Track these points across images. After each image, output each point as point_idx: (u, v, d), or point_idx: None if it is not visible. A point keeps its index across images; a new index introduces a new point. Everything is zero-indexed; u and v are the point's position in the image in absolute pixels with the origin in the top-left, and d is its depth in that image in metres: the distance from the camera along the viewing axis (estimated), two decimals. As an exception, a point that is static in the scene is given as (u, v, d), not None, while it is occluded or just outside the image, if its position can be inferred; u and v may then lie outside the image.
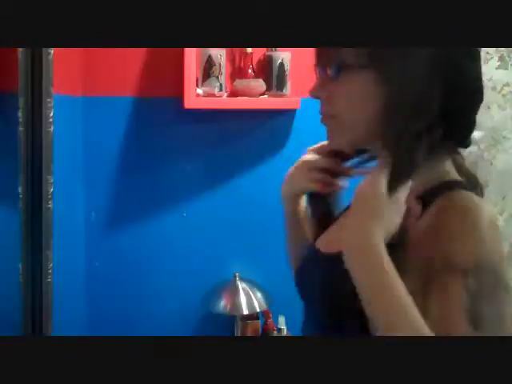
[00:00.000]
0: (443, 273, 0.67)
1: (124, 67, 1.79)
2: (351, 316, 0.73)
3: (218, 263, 1.88)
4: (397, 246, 0.71)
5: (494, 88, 1.85)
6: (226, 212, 1.88)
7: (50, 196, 1.35)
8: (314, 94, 0.78)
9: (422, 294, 0.69)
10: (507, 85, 1.85)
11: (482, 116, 1.83)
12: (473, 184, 0.79)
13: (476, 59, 0.76)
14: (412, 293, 0.67)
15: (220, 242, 1.89)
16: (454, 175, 0.79)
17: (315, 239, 0.90)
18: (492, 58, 1.84)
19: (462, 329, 0.66)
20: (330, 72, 0.75)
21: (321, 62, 0.78)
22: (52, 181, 1.35)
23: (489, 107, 1.86)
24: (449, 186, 0.75)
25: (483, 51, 1.83)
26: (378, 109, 0.73)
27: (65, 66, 1.57)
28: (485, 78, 1.89)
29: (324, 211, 0.92)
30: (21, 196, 1.31)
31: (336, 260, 0.73)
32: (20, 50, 1.27)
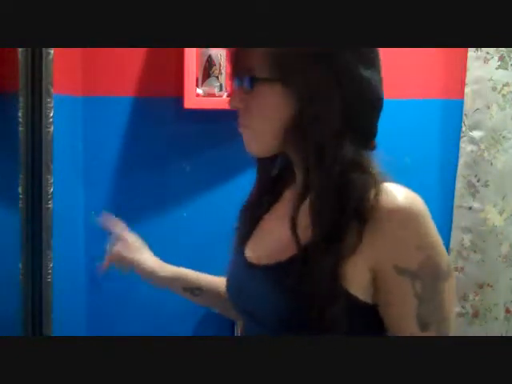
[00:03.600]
0: (392, 276, 0.73)
1: (124, 67, 1.78)
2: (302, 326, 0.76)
3: (218, 263, 1.88)
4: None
5: (494, 88, 1.85)
6: (226, 212, 1.87)
7: (50, 196, 1.35)
8: (233, 104, 0.83)
9: (372, 294, 0.75)
10: (507, 85, 1.84)
11: (482, 116, 1.84)
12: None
13: (373, 68, 0.78)
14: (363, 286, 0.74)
15: (220, 241, 1.88)
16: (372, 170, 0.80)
17: (240, 247, 0.94)
18: (492, 57, 1.84)
19: (412, 333, 0.72)
20: (244, 84, 0.80)
21: (236, 74, 0.82)
22: (52, 181, 1.35)
23: (489, 107, 1.86)
24: (375, 183, 0.76)
25: (483, 51, 1.83)
26: (287, 119, 0.78)
27: (65, 66, 1.57)
28: (485, 78, 1.90)
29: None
30: (21, 196, 1.31)
31: (274, 271, 0.79)
32: (20, 50, 1.27)
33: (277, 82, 0.77)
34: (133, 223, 1.92)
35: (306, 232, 0.77)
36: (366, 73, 0.77)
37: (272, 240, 0.86)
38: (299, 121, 0.77)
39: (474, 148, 1.87)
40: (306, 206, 0.79)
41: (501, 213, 1.89)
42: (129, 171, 1.83)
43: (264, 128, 0.80)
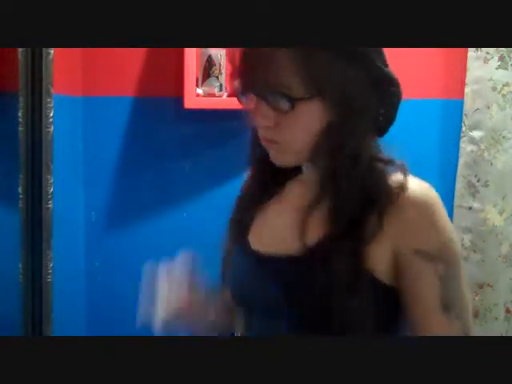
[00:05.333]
0: (415, 260, 0.77)
1: (124, 67, 1.78)
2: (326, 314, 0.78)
3: (218, 263, 1.88)
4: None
5: (494, 88, 1.84)
6: (226, 212, 1.88)
7: (50, 196, 1.35)
8: (263, 123, 0.79)
9: (394, 278, 0.78)
10: (507, 85, 1.84)
11: (482, 116, 1.84)
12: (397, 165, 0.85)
13: (386, 63, 0.81)
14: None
15: (220, 242, 1.88)
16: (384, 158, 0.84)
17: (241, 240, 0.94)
18: (492, 57, 1.84)
19: (435, 314, 0.76)
20: (275, 104, 0.77)
21: (262, 92, 0.78)
22: (52, 181, 1.35)
23: (489, 107, 1.86)
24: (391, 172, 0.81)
25: (483, 51, 1.83)
26: (323, 129, 0.78)
27: (65, 66, 1.57)
28: (485, 78, 1.89)
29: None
30: (21, 196, 1.32)
31: (294, 262, 0.81)
32: (20, 50, 1.27)
33: (316, 97, 0.76)
34: (133, 223, 1.92)
35: (318, 223, 0.80)
36: (387, 68, 0.80)
37: (286, 231, 0.85)
38: (338, 128, 0.78)
39: (474, 148, 1.87)
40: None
41: (501, 213, 1.89)
42: (129, 171, 1.83)
43: (299, 142, 0.80)
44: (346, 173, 0.79)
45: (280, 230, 0.87)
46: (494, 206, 1.89)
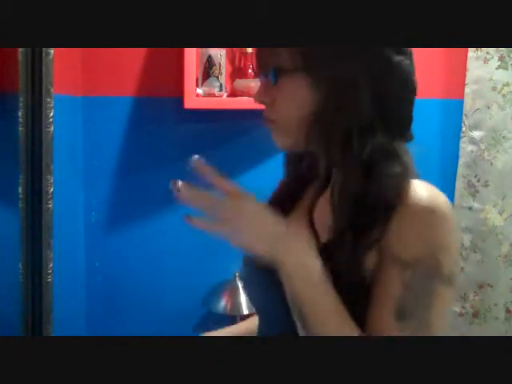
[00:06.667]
0: (386, 265, 0.71)
1: (124, 67, 1.79)
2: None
3: (218, 263, 1.88)
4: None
5: (494, 88, 1.85)
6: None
7: (50, 196, 1.35)
8: (258, 98, 0.80)
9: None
10: (507, 85, 1.85)
11: (482, 116, 1.84)
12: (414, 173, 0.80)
13: (406, 54, 0.76)
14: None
15: (220, 242, 1.88)
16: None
17: None
18: (492, 58, 1.84)
19: (387, 318, 0.70)
20: (269, 77, 0.78)
21: (261, 67, 0.80)
22: (52, 181, 1.35)
23: (489, 107, 1.86)
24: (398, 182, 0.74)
25: (483, 51, 1.83)
26: (313, 111, 0.75)
27: (65, 66, 1.57)
28: (485, 78, 1.89)
29: None
30: (21, 196, 1.31)
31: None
32: (20, 50, 1.27)
33: (301, 72, 0.74)
34: (133, 223, 1.92)
35: (322, 226, 0.78)
36: (397, 58, 0.74)
37: None
38: (325, 111, 0.74)
39: (474, 148, 1.87)
40: (323, 202, 0.81)
41: (501, 213, 1.90)
42: (129, 171, 1.83)
43: (289, 121, 0.78)
44: (342, 162, 0.74)
45: None
46: (494, 206, 1.89)
